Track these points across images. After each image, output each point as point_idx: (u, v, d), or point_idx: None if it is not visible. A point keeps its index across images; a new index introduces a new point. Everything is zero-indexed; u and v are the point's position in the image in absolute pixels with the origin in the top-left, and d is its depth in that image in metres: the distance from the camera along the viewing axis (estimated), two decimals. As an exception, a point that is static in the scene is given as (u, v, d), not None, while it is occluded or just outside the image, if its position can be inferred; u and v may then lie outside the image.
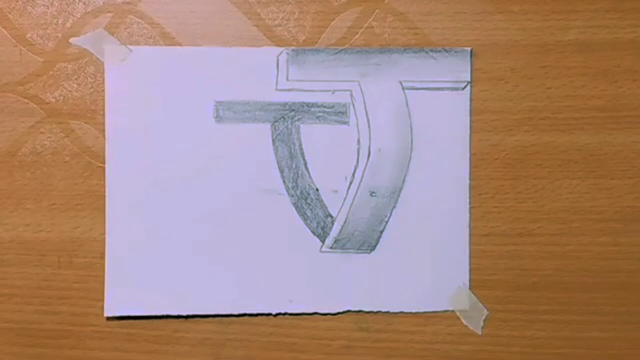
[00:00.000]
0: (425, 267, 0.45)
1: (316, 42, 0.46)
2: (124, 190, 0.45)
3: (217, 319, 0.45)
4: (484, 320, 0.46)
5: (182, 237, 0.45)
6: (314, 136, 0.45)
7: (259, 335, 0.45)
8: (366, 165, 0.45)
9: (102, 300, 0.45)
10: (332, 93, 0.45)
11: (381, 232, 0.45)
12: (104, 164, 0.45)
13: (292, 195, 0.45)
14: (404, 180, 0.45)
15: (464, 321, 0.46)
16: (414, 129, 0.45)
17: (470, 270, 0.46)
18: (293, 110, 0.45)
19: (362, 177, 0.45)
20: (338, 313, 0.45)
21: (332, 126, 0.45)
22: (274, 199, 0.45)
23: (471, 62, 0.46)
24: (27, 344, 0.45)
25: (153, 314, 0.45)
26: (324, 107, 0.45)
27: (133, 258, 0.45)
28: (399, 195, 0.45)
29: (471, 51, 0.46)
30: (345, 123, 0.45)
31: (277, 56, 0.45)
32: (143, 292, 0.45)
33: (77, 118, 0.45)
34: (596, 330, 0.46)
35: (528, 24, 0.46)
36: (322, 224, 0.45)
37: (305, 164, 0.45)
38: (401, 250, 0.45)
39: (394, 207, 0.45)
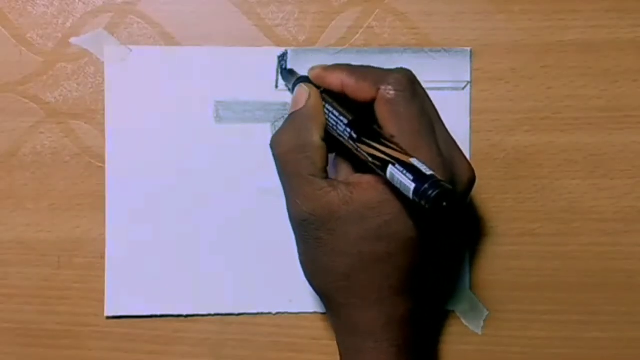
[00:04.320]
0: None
1: (316, 42, 0.46)
2: (124, 190, 0.45)
3: (217, 318, 0.45)
4: (484, 320, 0.46)
5: (182, 237, 0.45)
6: (314, 136, 0.45)
7: (259, 335, 0.45)
8: (366, 165, 0.45)
9: (102, 300, 0.45)
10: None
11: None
12: (104, 164, 0.45)
13: (292, 195, 0.45)
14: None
15: (464, 321, 0.46)
16: (414, 129, 0.45)
17: (471, 270, 0.46)
18: (293, 110, 0.45)
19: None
20: (338, 313, 0.45)
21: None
22: (274, 199, 0.45)
23: (471, 62, 0.46)
24: (27, 344, 0.45)
25: (153, 314, 0.45)
26: (324, 107, 0.45)
27: (133, 258, 0.45)
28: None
29: (471, 51, 0.46)
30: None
31: (277, 56, 0.45)
32: (143, 292, 0.45)
33: (77, 118, 0.45)
34: (596, 330, 0.46)
35: (528, 23, 0.46)
36: (322, 224, 0.45)
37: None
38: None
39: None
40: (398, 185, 0.34)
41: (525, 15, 0.46)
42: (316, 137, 0.38)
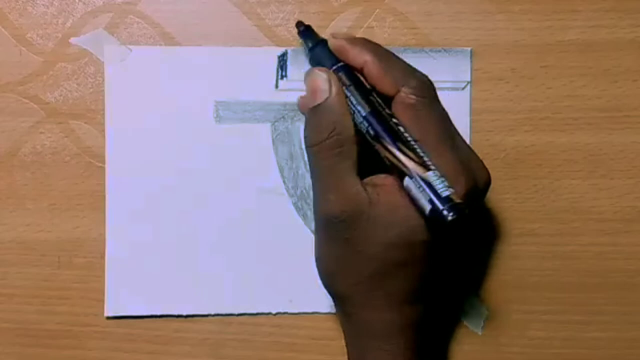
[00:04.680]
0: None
1: (316, 42, 0.45)
2: (124, 190, 0.45)
3: (217, 319, 0.45)
4: (484, 320, 0.46)
5: (182, 237, 0.45)
6: (314, 136, 0.45)
7: (259, 335, 0.45)
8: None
9: (102, 300, 0.45)
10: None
11: (381, 232, 0.45)
12: (104, 164, 0.45)
13: (292, 195, 0.45)
14: (404, 180, 0.45)
15: (464, 321, 0.46)
16: (414, 129, 0.45)
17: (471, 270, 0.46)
18: (293, 110, 0.45)
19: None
20: (338, 313, 0.45)
21: (332, 126, 0.45)
22: (274, 199, 0.45)
23: (471, 62, 0.46)
24: (27, 344, 0.45)
25: (153, 314, 0.45)
26: (324, 107, 0.45)
27: (133, 258, 0.45)
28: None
29: (471, 51, 0.46)
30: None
31: (277, 56, 0.45)
32: (143, 292, 0.45)
33: (77, 118, 0.45)
34: (596, 330, 0.46)
35: (528, 23, 0.46)
36: (322, 224, 0.45)
37: (305, 164, 0.45)
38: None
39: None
40: (414, 199, 0.34)
41: (525, 15, 0.46)
42: (351, 131, 0.37)
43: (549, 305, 0.46)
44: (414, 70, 0.38)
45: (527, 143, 0.46)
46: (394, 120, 0.36)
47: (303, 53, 0.45)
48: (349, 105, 0.37)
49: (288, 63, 0.45)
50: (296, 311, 0.46)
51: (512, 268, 0.46)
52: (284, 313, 0.46)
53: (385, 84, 0.37)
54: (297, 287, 0.44)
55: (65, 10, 0.45)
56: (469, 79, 0.46)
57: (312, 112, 0.38)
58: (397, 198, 0.36)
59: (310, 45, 0.41)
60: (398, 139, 0.35)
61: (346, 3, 0.46)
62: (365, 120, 0.36)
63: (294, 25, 0.45)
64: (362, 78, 0.38)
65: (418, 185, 0.33)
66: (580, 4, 0.46)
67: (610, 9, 0.46)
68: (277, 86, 0.45)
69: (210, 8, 0.45)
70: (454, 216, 0.32)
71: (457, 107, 0.45)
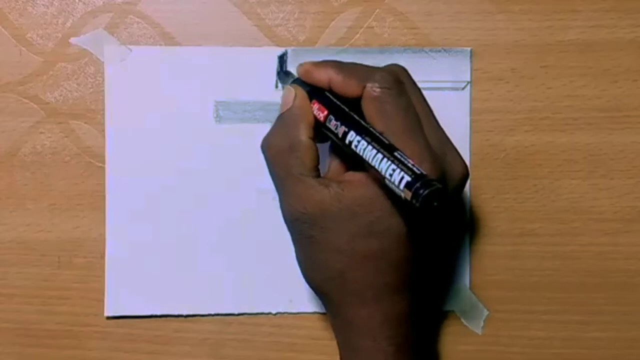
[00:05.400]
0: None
1: (316, 42, 0.46)
2: (123, 190, 0.45)
3: (217, 318, 0.45)
4: (484, 320, 0.46)
5: (182, 237, 0.45)
6: (314, 136, 0.45)
7: (259, 335, 0.45)
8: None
9: (102, 300, 0.45)
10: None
11: (381, 232, 0.45)
12: (104, 164, 0.45)
13: (292, 195, 0.45)
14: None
15: (464, 321, 0.46)
16: (414, 129, 0.45)
17: (471, 270, 0.46)
18: (293, 110, 0.45)
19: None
20: (338, 313, 0.45)
21: (332, 126, 0.45)
22: (273, 199, 0.45)
23: (471, 62, 0.46)
24: (27, 344, 0.45)
25: (153, 314, 0.45)
26: (324, 107, 0.45)
27: (133, 258, 0.45)
28: (399, 195, 0.45)
29: (471, 51, 0.46)
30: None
31: (277, 56, 0.45)
32: (143, 292, 0.45)
33: (77, 118, 0.45)
34: (596, 330, 0.46)
35: (528, 23, 0.46)
36: (322, 224, 0.45)
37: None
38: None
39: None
40: (388, 184, 0.34)
41: (525, 15, 0.46)
42: (304, 136, 0.38)
43: (549, 305, 0.46)
44: (379, 67, 0.38)
45: (527, 143, 0.46)
46: (355, 116, 0.37)
47: (303, 53, 0.45)
48: (316, 116, 0.38)
49: (288, 63, 0.45)
50: (296, 311, 0.46)
51: (512, 268, 0.46)
52: (284, 313, 0.46)
53: (350, 87, 0.38)
54: (297, 287, 0.44)
55: (65, 10, 0.45)
56: (469, 79, 0.46)
57: (276, 120, 0.40)
58: (363, 191, 0.36)
59: (289, 83, 0.42)
60: (363, 132, 0.36)
61: (346, 3, 0.46)
62: (335, 124, 0.37)
63: (294, 25, 0.45)
64: (330, 95, 0.39)
65: (388, 169, 0.33)
66: (580, 4, 0.46)
67: (610, 9, 0.46)
68: (277, 86, 0.45)
69: (210, 8, 0.45)
70: (428, 191, 0.32)
71: (457, 107, 0.45)
